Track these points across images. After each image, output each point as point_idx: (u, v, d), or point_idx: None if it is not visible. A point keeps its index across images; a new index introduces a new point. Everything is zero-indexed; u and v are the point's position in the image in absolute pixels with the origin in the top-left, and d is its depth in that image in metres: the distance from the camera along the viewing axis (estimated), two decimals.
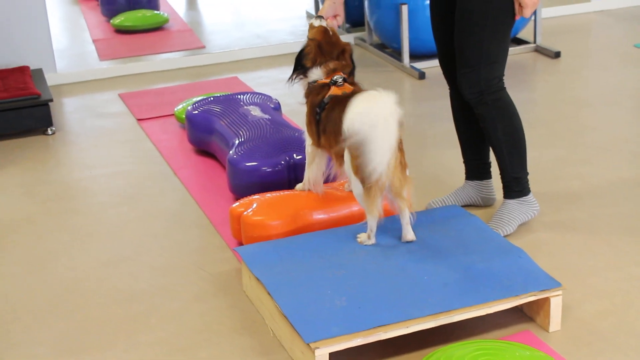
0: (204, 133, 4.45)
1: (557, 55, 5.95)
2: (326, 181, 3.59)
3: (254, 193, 3.72)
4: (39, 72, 5.56)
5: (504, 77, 3.62)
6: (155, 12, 7.38)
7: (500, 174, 3.61)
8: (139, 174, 4.43)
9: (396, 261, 3.08)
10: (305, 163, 3.56)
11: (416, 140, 4.64)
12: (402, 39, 5.74)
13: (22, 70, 5.45)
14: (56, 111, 5.38)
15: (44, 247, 3.72)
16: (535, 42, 6.11)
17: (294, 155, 3.88)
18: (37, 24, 5.78)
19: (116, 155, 4.70)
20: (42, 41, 5.83)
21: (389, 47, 6.12)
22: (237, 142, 4.06)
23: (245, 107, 4.44)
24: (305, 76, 3.44)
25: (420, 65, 5.77)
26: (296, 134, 4.04)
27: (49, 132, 5.03)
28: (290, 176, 3.87)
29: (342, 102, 3.23)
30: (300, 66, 3.44)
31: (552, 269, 3.22)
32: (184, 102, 5.06)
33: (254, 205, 3.47)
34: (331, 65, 3.39)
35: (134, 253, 3.62)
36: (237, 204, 3.54)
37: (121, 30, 7.18)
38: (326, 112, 3.31)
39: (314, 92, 3.39)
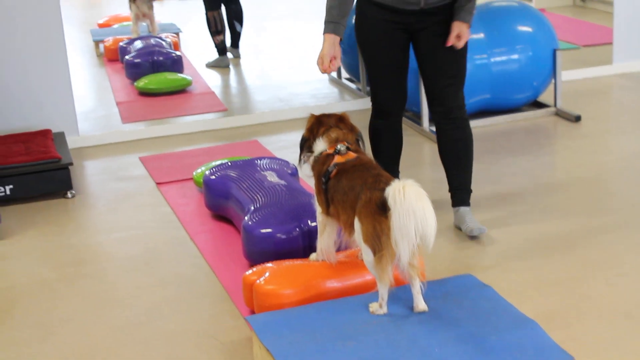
0: (220, 198, 4.46)
1: (577, 119, 5.93)
2: (339, 249, 3.58)
3: (269, 260, 3.73)
4: (61, 136, 5.62)
5: None
6: (179, 75, 7.46)
7: (462, 187, 4.27)
8: (156, 238, 4.44)
9: (407, 332, 3.04)
10: None
11: (434, 206, 4.60)
12: (421, 102, 5.76)
13: (44, 133, 5.51)
14: (77, 174, 5.43)
15: (57, 313, 3.72)
16: (555, 105, 6.10)
17: (309, 222, 3.87)
18: (60, 89, 5.86)
19: (134, 219, 4.72)
20: (66, 105, 5.90)
21: (409, 110, 6.14)
22: (252, 207, 4.07)
23: (262, 172, 4.45)
24: (311, 151, 3.51)
25: None
26: (312, 200, 4.04)
27: (69, 195, 5.07)
28: (304, 243, 3.86)
29: (348, 171, 3.30)
30: (304, 142, 3.56)
31: (567, 340, 3.16)
32: (202, 166, 5.09)
33: (267, 273, 3.45)
34: (333, 134, 3.48)
35: (147, 319, 3.61)
36: (250, 272, 3.53)
37: (145, 93, 7.26)
38: (332, 181, 3.35)
39: (320, 163, 3.46)
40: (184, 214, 4.71)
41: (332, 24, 3.85)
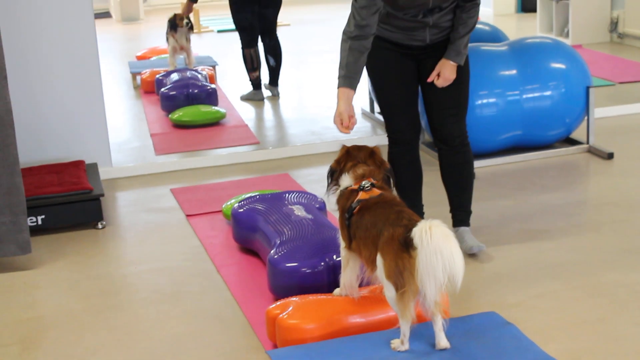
0: (248, 231, 4.48)
1: (610, 156, 5.88)
2: (362, 285, 3.57)
3: (294, 293, 3.73)
4: (94, 167, 5.68)
5: None
6: (213, 107, 7.52)
7: (462, 208, 4.42)
8: (183, 271, 4.46)
9: None
10: None
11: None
12: None
13: (77, 164, 5.58)
14: (108, 205, 5.48)
15: (82, 344, 3.75)
16: (588, 142, 6.06)
17: (334, 256, 3.86)
18: (95, 120, 5.93)
19: (162, 251, 4.75)
20: (100, 137, 5.97)
21: None
22: (278, 241, 4.08)
23: (290, 206, 4.47)
24: (338, 185, 3.55)
25: None
26: (338, 235, 4.04)
27: (99, 226, 5.12)
28: (329, 277, 3.85)
29: (370, 207, 3.33)
30: (331, 173, 3.62)
31: None
32: (232, 198, 5.12)
33: (290, 308, 3.45)
34: (359, 170, 3.52)
35: (170, 353, 3.62)
36: (273, 305, 3.54)
37: (179, 125, 7.32)
38: (355, 217, 3.37)
39: (344, 198, 3.50)
40: (212, 246, 4.73)
41: (348, 79, 3.88)
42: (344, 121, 3.89)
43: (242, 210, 4.56)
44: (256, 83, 8.30)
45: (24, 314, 4.08)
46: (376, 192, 3.42)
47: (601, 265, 4.23)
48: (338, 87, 3.90)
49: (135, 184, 5.95)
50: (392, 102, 4.27)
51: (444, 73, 4.12)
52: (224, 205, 5.07)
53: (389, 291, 3.16)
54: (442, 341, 3.20)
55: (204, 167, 6.27)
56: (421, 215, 4.48)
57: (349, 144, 3.70)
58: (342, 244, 3.53)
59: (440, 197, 4.61)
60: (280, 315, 3.43)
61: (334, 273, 3.83)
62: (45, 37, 5.72)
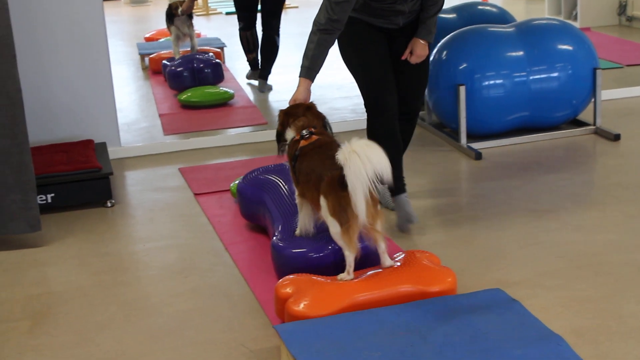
0: (255, 204, 4.49)
1: (616, 137, 5.90)
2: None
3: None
4: (103, 146, 5.73)
5: None
6: (221, 88, 7.55)
7: (402, 175, 4.56)
8: (191, 248, 4.50)
9: (433, 345, 3.06)
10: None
11: (469, 221, 4.63)
12: (459, 119, 5.77)
13: (86, 144, 5.62)
14: (117, 184, 5.52)
15: (92, 319, 3.79)
16: (595, 124, 6.08)
17: None
18: (104, 100, 5.97)
19: (170, 229, 4.79)
20: (108, 116, 6.01)
21: (447, 126, 6.16)
22: (282, 224, 4.07)
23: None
24: (286, 140, 3.90)
25: (477, 145, 5.79)
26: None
27: (109, 204, 5.16)
28: (336, 259, 3.83)
29: (308, 153, 3.70)
30: (278, 135, 4.00)
31: (593, 357, 3.16)
32: (240, 177, 5.14)
33: (303, 302, 3.40)
34: (299, 123, 3.89)
35: (178, 328, 3.66)
36: (282, 282, 3.54)
37: (187, 106, 7.36)
38: (298, 164, 3.72)
39: (290, 148, 3.85)
40: (220, 224, 4.77)
41: (310, 70, 4.17)
42: None
43: (247, 183, 4.57)
44: (254, 64, 8.28)
45: (34, 290, 4.13)
46: (315, 138, 3.75)
47: (606, 244, 4.26)
48: (300, 76, 4.15)
49: (144, 164, 5.99)
50: (372, 73, 4.46)
51: (416, 50, 4.45)
52: (231, 184, 5.11)
53: (334, 227, 3.49)
54: (387, 261, 3.58)
55: (212, 147, 6.31)
56: (402, 186, 4.58)
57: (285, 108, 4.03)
58: (296, 191, 3.86)
59: (450, 176, 4.64)
60: (296, 309, 3.38)
61: (341, 255, 3.80)
62: (54, 17, 5.75)
